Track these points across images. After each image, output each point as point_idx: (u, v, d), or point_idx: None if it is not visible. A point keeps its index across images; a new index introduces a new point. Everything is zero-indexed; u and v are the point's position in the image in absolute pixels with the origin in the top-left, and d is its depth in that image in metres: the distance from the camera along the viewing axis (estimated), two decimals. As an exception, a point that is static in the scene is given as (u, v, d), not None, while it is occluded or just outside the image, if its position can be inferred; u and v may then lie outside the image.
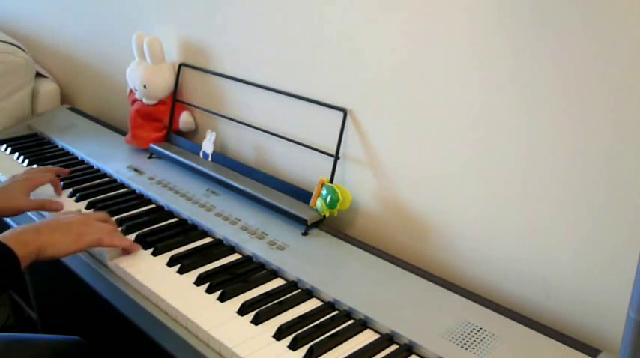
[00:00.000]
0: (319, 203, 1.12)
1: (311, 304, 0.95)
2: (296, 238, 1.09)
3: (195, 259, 1.04)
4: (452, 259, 1.05)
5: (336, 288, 0.95)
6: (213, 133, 1.35)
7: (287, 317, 0.90)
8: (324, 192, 1.11)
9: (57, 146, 1.56)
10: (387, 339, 0.87)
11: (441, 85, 0.99)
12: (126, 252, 1.05)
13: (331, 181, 1.14)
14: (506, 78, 0.91)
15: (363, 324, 0.90)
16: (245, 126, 1.34)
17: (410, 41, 1.01)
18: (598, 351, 0.83)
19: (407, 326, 0.87)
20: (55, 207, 1.16)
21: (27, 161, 1.45)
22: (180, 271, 1.01)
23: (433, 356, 0.83)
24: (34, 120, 1.71)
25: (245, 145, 1.38)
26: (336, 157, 1.14)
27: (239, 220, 1.15)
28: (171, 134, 1.46)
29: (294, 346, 0.85)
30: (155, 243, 1.08)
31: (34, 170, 1.27)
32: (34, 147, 1.56)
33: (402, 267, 1.01)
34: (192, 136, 1.50)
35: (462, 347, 0.84)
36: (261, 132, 1.30)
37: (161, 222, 1.17)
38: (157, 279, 0.98)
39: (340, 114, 1.13)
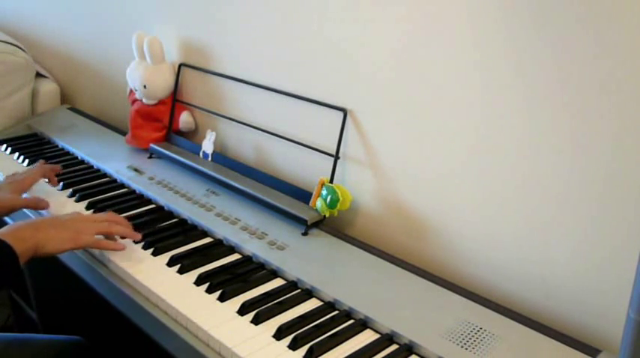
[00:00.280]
0: (319, 203, 1.12)
1: (311, 304, 0.95)
2: (296, 238, 1.09)
3: (195, 259, 1.04)
4: (452, 259, 1.05)
5: (336, 288, 0.95)
6: (213, 133, 1.35)
7: (287, 317, 0.90)
8: (324, 192, 1.11)
9: (57, 146, 1.56)
10: (387, 339, 0.87)
11: (441, 85, 0.99)
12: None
13: (331, 181, 1.14)
14: (507, 78, 0.91)
15: (363, 324, 0.90)
16: (245, 126, 1.34)
17: (410, 41, 1.01)
18: (598, 351, 0.83)
19: (407, 326, 0.87)
20: (42, 206, 1.16)
21: (27, 161, 1.45)
22: (180, 271, 1.01)
23: (433, 356, 0.83)
24: (34, 120, 1.71)
25: (245, 145, 1.38)
26: (336, 157, 1.14)
27: (239, 220, 1.15)
28: (172, 134, 1.46)
29: (294, 346, 0.85)
30: (155, 243, 1.08)
31: (22, 172, 1.26)
32: (34, 147, 1.56)
33: (402, 267, 1.01)
34: (192, 136, 1.50)
35: (462, 347, 0.84)
36: (261, 132, 1.30)
37: (161, 222, 1.17)
38: (156, 279, 0.98)
39: (340, 114, 1.13)
